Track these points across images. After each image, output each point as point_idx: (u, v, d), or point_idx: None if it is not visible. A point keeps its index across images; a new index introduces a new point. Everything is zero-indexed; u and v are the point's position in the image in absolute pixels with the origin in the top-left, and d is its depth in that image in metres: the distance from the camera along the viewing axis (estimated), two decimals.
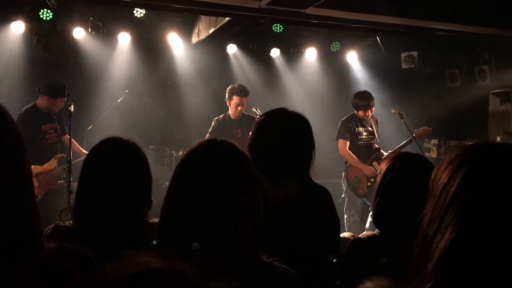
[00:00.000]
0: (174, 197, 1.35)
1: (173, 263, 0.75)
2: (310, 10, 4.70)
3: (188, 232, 1.30)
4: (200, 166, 1.34)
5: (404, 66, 7.83)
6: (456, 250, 0.91)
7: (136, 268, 0.76)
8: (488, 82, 6.92)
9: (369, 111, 5.69)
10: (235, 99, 5.40)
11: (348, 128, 5.76)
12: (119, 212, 1.79)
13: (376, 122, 5.94)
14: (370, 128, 5.81)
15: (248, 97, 5.43)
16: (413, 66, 7.77)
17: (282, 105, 2.32)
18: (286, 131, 2.17)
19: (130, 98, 6.88)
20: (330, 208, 2.22)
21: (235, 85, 5.53)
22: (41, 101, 5.14)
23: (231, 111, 5.53)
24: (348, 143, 5.74)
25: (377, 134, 5.85)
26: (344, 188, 5.91)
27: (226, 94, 5.53)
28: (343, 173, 5.88)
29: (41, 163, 4.99)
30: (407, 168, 2.09)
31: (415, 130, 5.88)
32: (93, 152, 1.92)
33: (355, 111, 5.80)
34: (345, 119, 5.85)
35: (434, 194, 1.02)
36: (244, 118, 5.57)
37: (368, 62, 8.09)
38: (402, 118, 5.76)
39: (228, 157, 1.35)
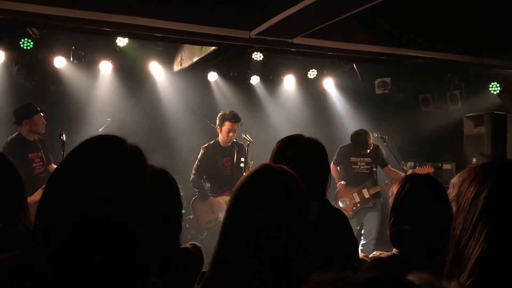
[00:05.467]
0: (235, 222, 1.40)
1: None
2: (297, 40, 4.87)
3: (247, 253, 1.35)
4: (258, 191, 1.40)
5: (378, 91, 8.11)
6: (491, 256, 1.06)
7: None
8: (459, 106, 7.26)
9: (366, 149, 5.88)
10: (227, 125, 5.40)
11: (342, 155, 6.02)
12: (159, 237, 1.81)
13: (377, 150, 6.04)
14: (367, 159, 5.96)
15: (240, 123, 5.46)
16: (386, 91, 8.07)
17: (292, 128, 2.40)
18: (304, 155, 2.25)
19: (113, 127, 6.84)
20: (349, 229, 2.31)
21: (227, 111, 5.52)
22: (23, 129, 5.07)
23: (221, 138, 5.51)
24: (336, 167, 6.06)
25: (375, 165, 5.98)
26: None
27: (217, 120, 5.52)
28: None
29: (28, 194, 4.87)
30: (417, 189, 2.22)
31: (417, 168, 6.16)
32: None
33: None
34: (343, 146, 6.13)
35: (463, 207, 1.17)
36: (233, 145, 5.58)
37: (344, 88, 8.35)
38: (385, 142, 5.97)
39: (285, 182, 1.42)
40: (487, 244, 1.05)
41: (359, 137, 5.89)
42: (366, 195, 5.87)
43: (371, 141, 5.89)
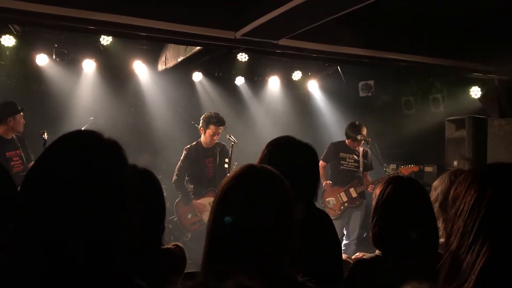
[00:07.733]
0: (221, 223, 1.38)
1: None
2: (283, 41, 4.88)
3: (234, 254, 1.35)
4: (244, 192, 1.39)
5: (361, 94, 8.17)
6: (498, 264, 1.03)
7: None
8: (441, 109, 7.36)
9: (357, 143, 5.91)
10: (212, 128, 5.35)
11: (332, 151, 6.05)
12: (142, 238, 1.80)
13: (366, 153, 6.11)
14: (356, 157, 6.01)
15: (224, 127, 5.43)
16: (370, 94, 8.13)
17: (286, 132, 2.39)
18: (295, 158, 2.23)
19: (95, 126, 6.77)
20: (333, 231, 2.32)
21: (212, 113, 5.47)
22: (1, 128, 4.98)
23: (204, 139, 5.47)
24: (324, 164, 6.04)
25: (361, 165, 6.01)
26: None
27: (201, 121, 5.47)
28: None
29: None
30: (399, 190, 2.23)
31: (401, 167, 6.12)
32: None
33: (346, 139, 6.04)
34: (333, 142, 6.18)
35: (461, 212, 1.12)
36: (216, 146, 5.56)
37: (328, 91, 8.40)
38: (368, 144, 6.02)
39: (270, 182, 1.41)
40: (493, 252, 1.03)
41: (354, 124, 6.01)
42: (354, 195, 5.91)
43: (365, 132, 5.92)
